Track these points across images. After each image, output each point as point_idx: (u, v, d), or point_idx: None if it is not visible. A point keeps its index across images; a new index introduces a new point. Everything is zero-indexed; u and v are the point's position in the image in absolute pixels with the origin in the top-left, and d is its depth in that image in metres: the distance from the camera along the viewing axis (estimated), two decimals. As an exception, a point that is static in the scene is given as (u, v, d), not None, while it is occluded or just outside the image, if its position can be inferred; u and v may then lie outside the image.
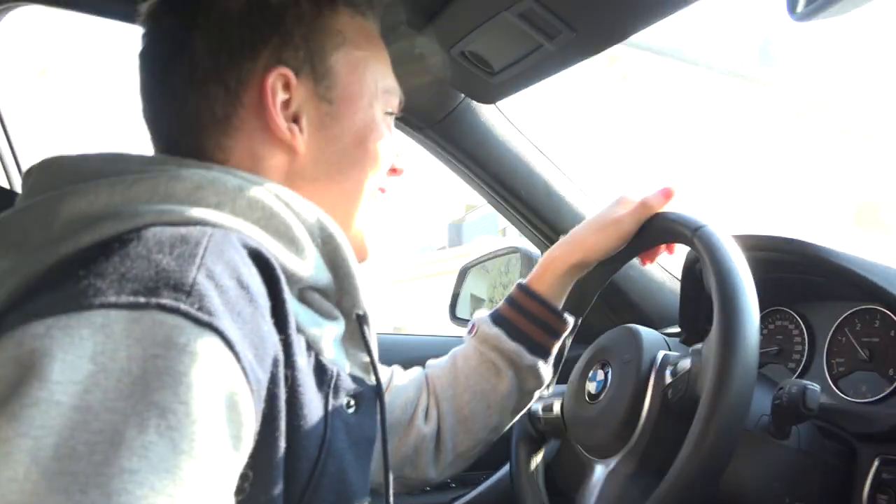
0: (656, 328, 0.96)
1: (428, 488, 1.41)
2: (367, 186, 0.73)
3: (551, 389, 1.06)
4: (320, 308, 0.65)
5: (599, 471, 0.87)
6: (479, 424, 0.93)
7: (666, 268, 1.37)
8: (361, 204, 0.73)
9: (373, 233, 0.76)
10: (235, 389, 0.46)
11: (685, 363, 0.78)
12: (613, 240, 0.92)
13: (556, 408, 0.99)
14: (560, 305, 0.95)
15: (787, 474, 0.80)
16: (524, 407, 0.97)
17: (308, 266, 0.62)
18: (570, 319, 0.95)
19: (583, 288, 0.98)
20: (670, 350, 0.88)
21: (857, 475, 0.82)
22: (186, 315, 0.44)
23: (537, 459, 1.05)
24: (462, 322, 1.62)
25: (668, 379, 0.80)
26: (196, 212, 0.54)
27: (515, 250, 1.53)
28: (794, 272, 1.00)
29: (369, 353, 0.70)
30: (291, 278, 0.60)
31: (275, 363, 0.52)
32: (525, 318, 0.93)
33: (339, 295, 0.67)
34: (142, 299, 0.44)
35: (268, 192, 0.60)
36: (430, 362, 1.00)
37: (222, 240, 0.51)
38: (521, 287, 0.95)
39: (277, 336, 0.54)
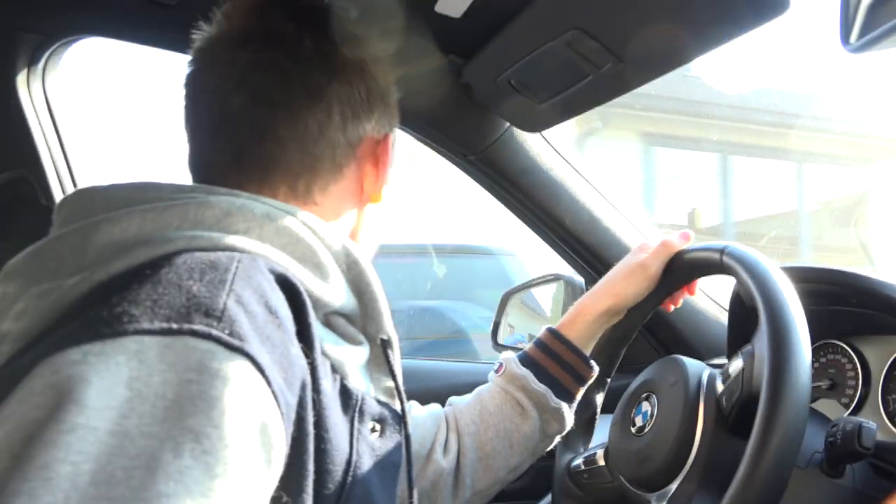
0: (703, 360, 0.94)
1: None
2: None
3: (590, 444, 1.05)
4: (345, 333, 0.66)
5: (658, 502, 0.85)
6: (500, 463, 0.94)
7: (713, 298, 1.35)
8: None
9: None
10: (266, 413, 0.46)
11: (737, 363, 0.77)
12: (640, 283, 0.95)
13: (601, 459, 0.98)
14: (589, 352, 0.97)
15: (840, 514, 0.77)
16: (544, 450, 0.97)
17: (333, 291, 0.63)
18: (596, 367, 0.97)
19: (611, 343, 1.01)
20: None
21: (915, 517, 0.79)
22: (218, 340, 0.45)
23: None
24: (504, 349, 1.61)
25: (720, 387, 0.79)
26: (225, 237, 0.56)
27: (558, 277, 1.53)
28: (846, 305, 0.98)
29: (394, 378, 0.70)
30: (317, 303, 0.61)
31: (303, 387, 0.53)
32: (553, 362, 0.95)
33: (363, 320, 0.68)
34: (174, 325, 0.45)
35: (294, 219, 0.62)
36: (452, 399, 1.01)
37: (250, 265, 0.52)
38: (550, 331, 0.97)
39: (305, 360, 0.54)
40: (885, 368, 0.95)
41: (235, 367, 0.45)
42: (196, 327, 0.45)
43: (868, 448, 0.72)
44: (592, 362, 0.96)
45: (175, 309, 0.46)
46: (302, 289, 0.57)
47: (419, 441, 0.92)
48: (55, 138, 1.27)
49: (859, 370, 0.98)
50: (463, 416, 0.96)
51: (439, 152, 1.30)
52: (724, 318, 1.32)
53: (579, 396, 0.96)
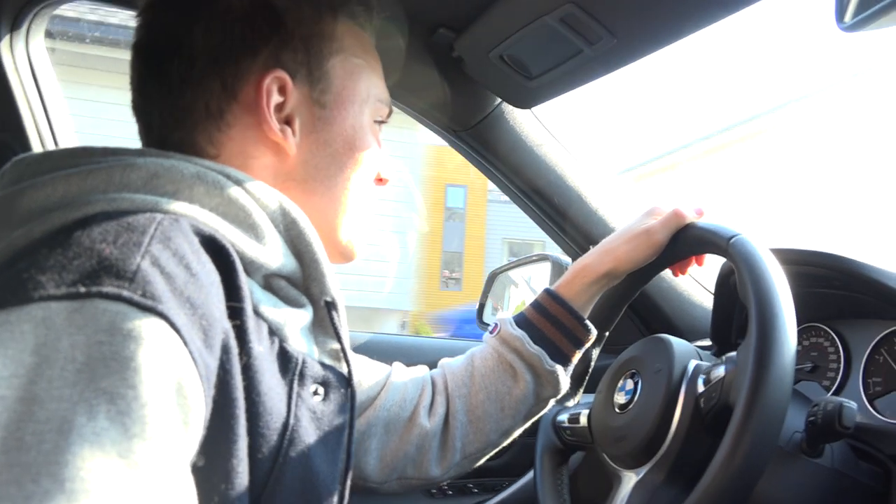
0: (686, 340, 0.95)
1: (449, 492, 1.41)
2: (354, 192, 0.74)
3: (577, 400, 1.05)
4: (286, 296, 0.66)
5: (627, 480, 0.86)
6: (491, 426, 0.92)
7: (697, 280, 1.36)
8: (349, 209, 0.74)
9: (360, 239, 0.78)
10: (183, 373, 0.45)
11: (719, 371, 0.77)
12: (644, 250, 0.91)
13: (584, 419, 0.98)
14: (586, 314, 0.94)
15: (819, 493, 0.78)
16: (538, 413, 0.96)
17: (269, 252, 0.61)
18: (594, 330, 0.93)
19: (611, 300, 0.98)
20: (702, 361, 0.86)
21: (892, 497, 0.80)
22: (129, 301, 0.44)
23: (562, 471, 1.04)
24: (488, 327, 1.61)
25: (701, 388, 0.79)
26: (148, 199, 0.54)
27: (545, 258, 1.53)
28: (832, 288, 0.98)
29: (339, 340, 0.69)
30: (252, 265, 0.60)
31: (225, 349, 0.51)
32: (549, 324, 0.92)
33: (306, 282, 0.67)
34: (82, 289, 0.43)
35: (226, 179, 0.60)
36: (443, 361, 0.99)
37: (171, 227, 0.51)
38: (548, 292, 0.94)
39: (230, 323, 0.53)
40: (867, 352, 0.95)
41: (149, 327, 0.43)
42: (105, 289, 0.44)
43: (848, 428, 0.73)
44: (590, 325, 0.93)
45: (84, 272, 0.44)
46: (232, 250, 0.56)
47: (399, 404, 0.91)
48: (39, 104, 1.25)
49: (841, 353, 0.99)
50: (454, 378, 0.94)
51: (428, 126, 1.29)
52: (708, 300, 1.32)
53: (576, 359, 0.94)
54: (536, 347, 0.90)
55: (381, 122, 0.78)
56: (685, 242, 0.89)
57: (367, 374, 0.93)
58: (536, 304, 0.94)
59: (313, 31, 0.69)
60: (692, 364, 0.84)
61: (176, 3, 0.68)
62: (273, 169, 0.69)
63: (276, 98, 0.67)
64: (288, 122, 0.69)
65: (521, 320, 0.93)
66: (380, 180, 0.80)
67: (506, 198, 1.40)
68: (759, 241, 0.78)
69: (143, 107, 0.69)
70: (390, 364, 0.98)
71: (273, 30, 0.67)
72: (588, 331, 0.93)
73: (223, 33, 0.66)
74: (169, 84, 0.67)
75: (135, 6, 0.72)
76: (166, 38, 0.67)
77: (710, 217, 0.90)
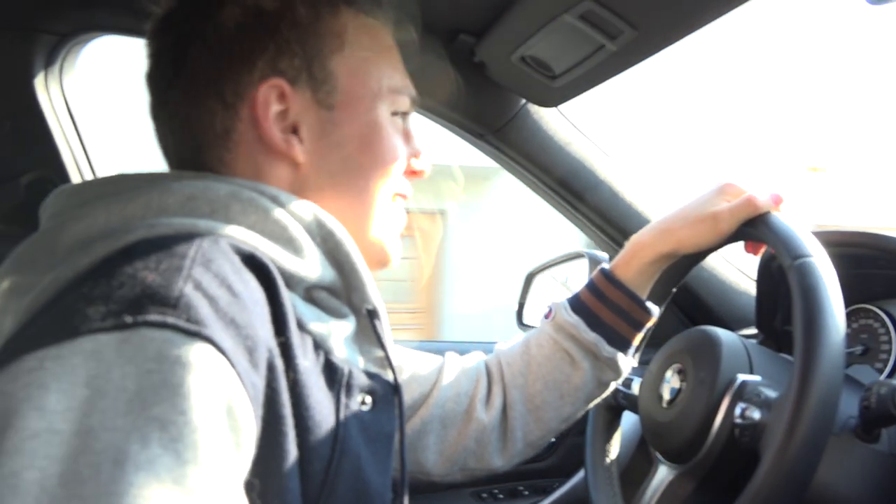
0: (731, 330, 0.93)
1: (500, 496, 1.41)
2: (379, 193, 0.71)
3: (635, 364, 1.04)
4: (328, 306, 0.65)
5: (663, 473, 0.87)
6: (551, 414, 0.90)
7: (739, 267, 1.34)
8: (375, 211, 0.72)
9: (392, 241, 0.75)
10: (232, 395, 0.45)
11: (755, 414, 0.75)
12: (708, 237, 0.84)
13: (635, 386, 0.98)
14: (645, 295, 0.90)
15: (876, 478, 0.76)
16: (600, 396, 0.93)
17: (308, 265, 0.61)
18: (656, 311, 0.90)
19: (665, 276, 0.93)
20: (751, 366, 0.83)
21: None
22: (175, 328, 0.44)
23: (613, 428, 1.04)
24: (529, 328, 1.61)
25: (738, 419, 0.77)
26: (186, 222, 0.54)
27: (581, 255, 1.52)
28: (877, 268, 0.96)
29: (383, 347, 0.69)
30: (293, 279, 0.60)
31: (270, 368, 0.52)
32: (606, 308, 0.88)
33: (347, 291, 0.67)
34: (129, 319, 0.44)
35: (261, 196, 0.60)
36: (499, 346, 0.97)
37: (211, 249, 0.51)
38: (604, 273, 0.90)
39: (275, 340, 0.53)
40: (920, 331, 0.93)
41: (196, 352, 0.44)
42: (151, 318, 0.44)
43: None
44: (650, 306, 0.89)
45: (129, 302, 0.45)
46: (272, 267, 0.56)
47: (453, 399, 0.90)
48: (76, 139, 1.29)
49: (893, 334, 0.96)
50: (510, 367, 0.92)
51: (456, 133, 1.29)
52: (751, 288, 1.30)
53: (637, 342, 0.90)
54: (593, 334, 0.87)
55: (402, 114, 0.75)
56: (752, 227, 0.82)
57: (418, 370, 0.91)
58: (592, 286, 0.90)
59: (311, 32, 0.66)
60: (739, 379, 0.80)
61: (173, 28, 0.67)
62: (288, 181, 0.67)
63: (275, 107, 0.65)
64: (295, 130, 0.67)
65: (577, 304, 0.90)
66: (413, 172, 0.77)
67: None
68: (827, 267, 0.72)
69: (158, 135, 0.69)
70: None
71: (267, 38, 0.65)
72: (648, 313, 0.89)
73: (218, 50, 0.64)
74: (175, 109, 0.67)
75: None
76: (168, 63, 0.67)
77: (786, 211, 0.82)
